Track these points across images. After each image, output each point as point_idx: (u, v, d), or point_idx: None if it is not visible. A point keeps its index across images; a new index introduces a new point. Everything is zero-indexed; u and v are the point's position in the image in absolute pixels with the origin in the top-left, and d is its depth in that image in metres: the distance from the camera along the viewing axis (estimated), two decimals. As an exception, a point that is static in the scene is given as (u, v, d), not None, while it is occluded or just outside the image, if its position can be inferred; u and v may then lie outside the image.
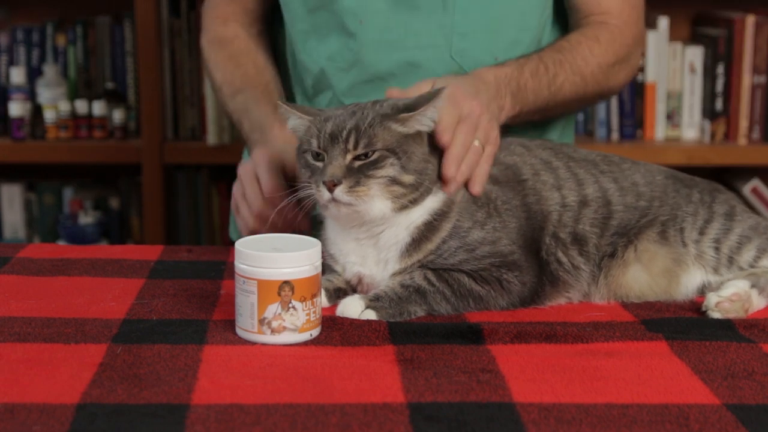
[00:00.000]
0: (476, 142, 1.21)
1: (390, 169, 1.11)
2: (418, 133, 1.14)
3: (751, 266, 1.23)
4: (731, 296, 1.15)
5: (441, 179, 1.16)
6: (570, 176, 1.24)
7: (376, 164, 1.10)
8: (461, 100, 1.22)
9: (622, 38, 1.49)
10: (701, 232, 1.24)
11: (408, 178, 1.12)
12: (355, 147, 1.10)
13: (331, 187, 1.09)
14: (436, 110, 1.13)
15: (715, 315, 1.15)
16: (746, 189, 2.69)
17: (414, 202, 1.13)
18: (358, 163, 1.10)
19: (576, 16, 1.51)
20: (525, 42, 1.45)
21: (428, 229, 1.15)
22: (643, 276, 1.21)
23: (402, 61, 1.42)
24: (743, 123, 2.63)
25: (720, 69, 2.63)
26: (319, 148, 1.12)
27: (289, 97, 1.56)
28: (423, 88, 1.22)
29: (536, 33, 1.47)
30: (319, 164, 1.12)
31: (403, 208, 1.13)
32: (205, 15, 1.62)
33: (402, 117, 1.12)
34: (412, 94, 1.20)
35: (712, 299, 1.16)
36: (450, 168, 1.16)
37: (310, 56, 1.47)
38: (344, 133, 1.11)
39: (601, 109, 2.67)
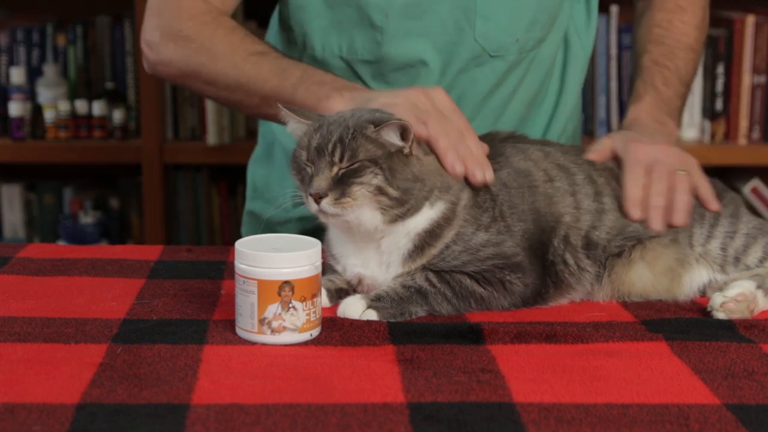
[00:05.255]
0: (682, 172, 1.27)
1: (371, 177, 1.10)
2: (405, 155, 1.13)
3: (757, 266, 1.23)
4: (737, 297, 1.15)
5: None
6: (588, 182, 1.24)
7: (358, 172, 1.10)
8: (649, 150, 1.28)
9: None
10: (709, 235, 1.24)
11: (393, 192, 1.11)
12: (341, 160, 1.10)
13: (317, 199, 1.10)
14: (395, 136, 1.11)
15: (720, 315, 1.15)
16: (746, 189, 2.69)
17: (402, 216, 1.13)
18: (342, 171, 1.11)
19: None
20: (542, 21, 1.47)
21: (431, 236, 1.15)
22: (646, 274, 1.21)
23: (428, 47, 1.43)
24: (743, 123, 2.63)
25: (720, 69, 2.63)
26: (307, 160, 1.13)
27: None
28: (605, 141, 1.31)
29: (553, 12, 1.49)
30: (309, 171, 1.13)
31: (394, 221, 1.13)
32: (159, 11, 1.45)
33: (370, 130, 1.12)
34: (597, 147, 1.29)
35: (717, 300, 1.16)
36: (656, 224, 1.24)
37: (332, 52, 1.45)
38: (330, 147, 1.11)
39: (601, 109, 2.67)
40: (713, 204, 1.26)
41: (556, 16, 1.49)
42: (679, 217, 1.23)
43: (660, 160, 1.28)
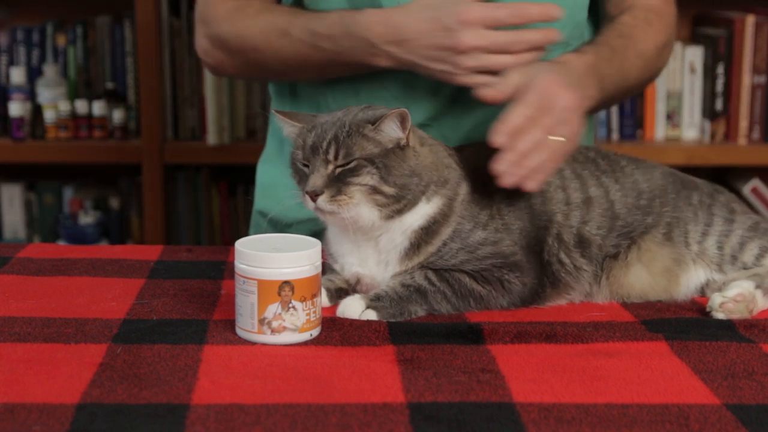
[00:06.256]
0: (562, 139, 1.19)
1: (368, 177, 1.11)
2: (401, 149, 1.13)
3: (754, 265, 1.23)
4: (736, 297, 1.15)
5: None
6: (574, 177, 1.24)
7: (354, 172, 1.11)
8: (557, 92, 1.20)
9: (668, 19, 1.48)
10: (704, 233, 1.24)
11: (388, 190, 1.12)
12: (336, 158, 1.11)
13: (313, 197, 1.10)
14: (395, 126, 1.12)
15: (719, 316, 1.15)
16: (746, 189, 2.69)
17: (399, 212, 1.14)
18: (338, 170, 1.11)
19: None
20: (561, 22, 1.39)
21: (427, 233, 1.15)
22: (644, 275, 1.22)
23: None
24: (743, 123, 2.63)
25: (720, 69, 2.63)
26: (303, 159, 1.14)
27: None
28: (513, 78, 1.22)
29: (568, 15, 1.41)
30: (306, 170, 1.13)
31: (391, 217, 1.14)
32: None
33: (368, 129, 1.12)
34: (503, 86, 1.21)
35: (716, 300, 1.16)
36: (500, 165, 1.15)
37: None
38: (324, 144, 1.12)
39: (601, 109, 2.66)
40: (531, 185, 1.17)
41: (581, 19, 1.46)
42: (530, 184, 1.16)
43: (554, 108, 1.20)
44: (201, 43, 1.49)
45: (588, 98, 1.28)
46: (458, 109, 1.42)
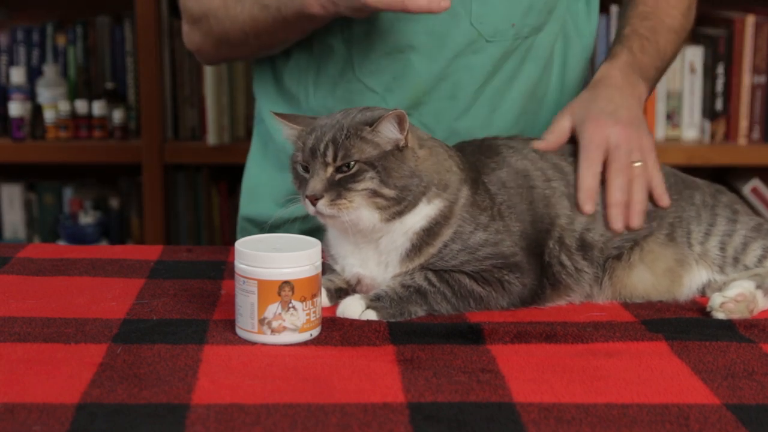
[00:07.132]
0: (638, 164, 1.24)
1: (369, 182, 1.11)
2: (400, 150, 1.13)
3: (756, 266, 1.23)
4: (736, 297, 1.15)
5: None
6: None
7: (355, 177, 1.11)
8: (606, 133, 1.26)
9: None
10: (707, 233, 1.24)
11: (388, 192, 1.12)
12: (334, 159, 1.11)
13: (313, 201, 1.10)
14: (393, 128, 1.12)
15: (720, 315, 1.15)
16: (746, 189, 2.69)
17: (400, 213, 1.14)
18: (339, 176, 1.11)
19: None
20: (538, 7, 1.44)
21: (428, 234, 1.15)
22: (647, 276, 1.22)
23: (422, 31, 1.41)
24: (743, 123, 2.63)
25: (720, 69, 2.63)
26: (303, 161, 1.14)
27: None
28: (561, 123, 1.29)
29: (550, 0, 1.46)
30: (306, 175, 1.13)
31: (391, 219, 1.13)
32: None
33: (366, 130, 1.12)
34: (551, 131, 1.28)
35: (716, 300, 1.16)
36: (616, 223, 1.21)
37: (333, 33, 1.44)
38: (322, 147, 1.11)
39: (601, 109, 2.66)
40: (664, 200, 1.25)
41: (554, 5, 1.48)
42: (636, 221, 1.22)
43: (619, 145, 1.26)
44: (183, 29, 1.53)
45: (639, 97, 1.36)
46: (440, 97, 1.42)
